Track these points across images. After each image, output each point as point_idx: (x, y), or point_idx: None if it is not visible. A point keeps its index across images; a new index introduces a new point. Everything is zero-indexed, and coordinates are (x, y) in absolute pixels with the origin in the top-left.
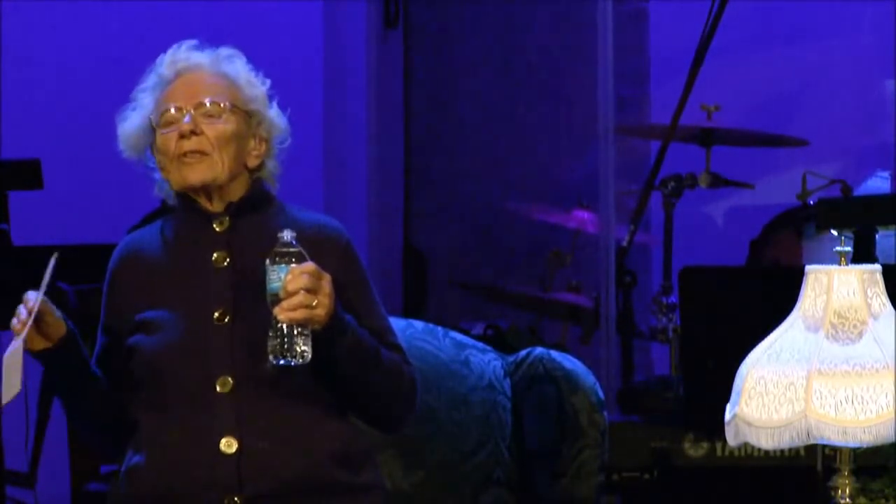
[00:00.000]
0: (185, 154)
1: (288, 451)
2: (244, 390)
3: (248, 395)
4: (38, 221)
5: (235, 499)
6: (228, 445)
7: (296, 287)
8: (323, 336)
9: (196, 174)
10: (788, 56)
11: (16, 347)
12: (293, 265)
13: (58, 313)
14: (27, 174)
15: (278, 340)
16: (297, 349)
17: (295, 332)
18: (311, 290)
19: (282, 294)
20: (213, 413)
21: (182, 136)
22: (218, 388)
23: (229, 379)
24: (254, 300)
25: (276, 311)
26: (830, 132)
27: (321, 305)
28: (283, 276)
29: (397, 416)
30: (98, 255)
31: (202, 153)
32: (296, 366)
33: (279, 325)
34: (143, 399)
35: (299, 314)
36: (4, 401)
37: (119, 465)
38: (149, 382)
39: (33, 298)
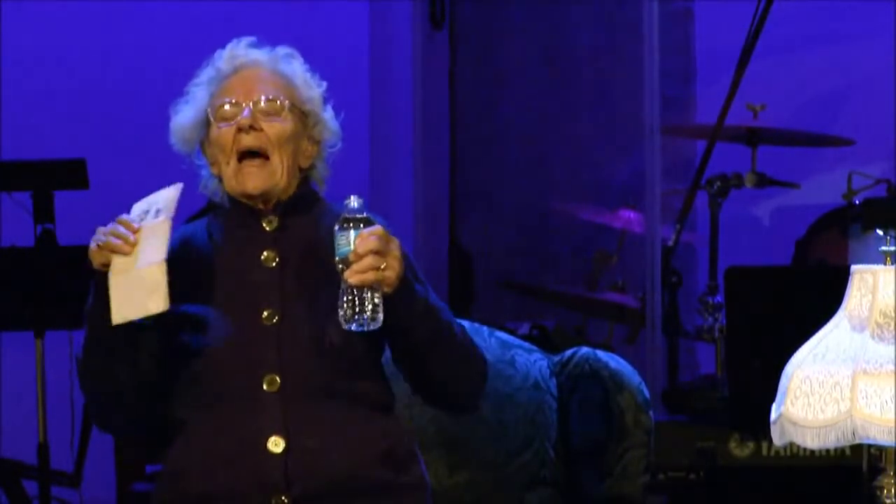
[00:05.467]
0: (243, 156)
1: (335, 450)
2: (291, 390)
3: (294, 394)
4: (84, 221)
5: (283, 498)
6: (276, 445)
7: (365, 249)
8: (394, 300)
9: (256, 182)
10: (834, 55)
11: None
12: (362, 229)
13: None
14: (73, 174)
15: (349, 304)
16: (368, 312)
17: (365, 295)
18: (380, 253)
19: (351, 257)
20: (261, 412)
21: (240, 131)
22: (265, 388)
23: (276, 378)
24: (301, 300)
25: (347, 274)
26: (876, 132)
27: (391, 268)
28: (352, 239)
29: (469, 392)
30: None
31: (262, 156)
32: (368, 331)
33: (350, 289)
34: (187, 396)
35: (370, 276)
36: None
37: (163, 463)
38: (194, 379)
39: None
